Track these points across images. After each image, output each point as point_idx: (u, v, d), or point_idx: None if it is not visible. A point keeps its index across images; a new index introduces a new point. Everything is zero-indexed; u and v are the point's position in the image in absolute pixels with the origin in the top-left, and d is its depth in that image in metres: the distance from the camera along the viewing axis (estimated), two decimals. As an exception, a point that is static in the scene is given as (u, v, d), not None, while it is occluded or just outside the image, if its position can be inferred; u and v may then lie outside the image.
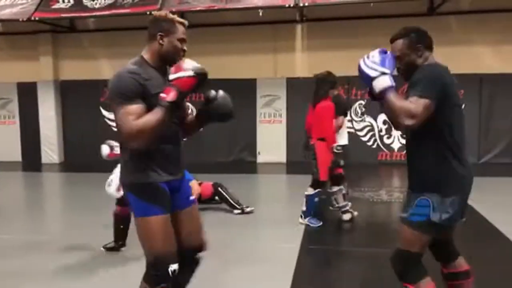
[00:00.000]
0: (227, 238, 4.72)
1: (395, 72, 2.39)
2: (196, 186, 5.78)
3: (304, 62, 9.91)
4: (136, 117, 2.16)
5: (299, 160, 9.51)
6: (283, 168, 9.53)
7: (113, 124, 10.64)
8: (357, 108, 9.72)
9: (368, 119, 9.73)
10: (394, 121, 2.30)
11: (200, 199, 5.69)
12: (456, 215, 2.31)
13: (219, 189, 5.89)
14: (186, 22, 2.40)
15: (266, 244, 4.64)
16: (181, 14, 8.47)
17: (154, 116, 2.16)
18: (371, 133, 9.82)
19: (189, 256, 2.52)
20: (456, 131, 2.31)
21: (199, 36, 10.17)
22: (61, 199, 7.66)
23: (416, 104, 2.18)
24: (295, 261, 4.02)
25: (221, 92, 2.48)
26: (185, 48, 2.38)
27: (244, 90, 9.77)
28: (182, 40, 2.37)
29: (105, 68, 10.65)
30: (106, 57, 10.59)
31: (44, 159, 10.79)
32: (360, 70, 2.34)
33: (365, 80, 2.32)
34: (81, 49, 10.67)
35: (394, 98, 2.23)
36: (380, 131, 9.77)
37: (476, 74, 9.15)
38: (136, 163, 2.31)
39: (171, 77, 2.21)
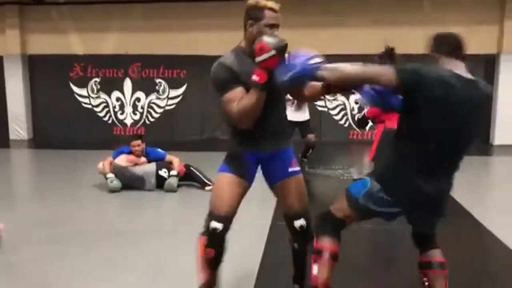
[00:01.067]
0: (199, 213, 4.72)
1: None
2: (176, 158, 5.95)
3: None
4: (237, 102, 2.36)
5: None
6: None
7: (83, 100, 10.49)
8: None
9: (341, 98, 9.80)
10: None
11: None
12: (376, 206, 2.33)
13: (190, 168, 5.95)
14: (276, 7, 2.41)
15: (239, 219, 4.66)
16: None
17: (250, 98, 2.33)
18: (343, 112, 9.91)
19: (289, 223, 2.71)
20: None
21: (173, 12, 10.01)
22: (29, 176, 7.52)
23: (381, 68, 2.28)
24: (265, 236, 4.06)
25: None
26: (275, 33, 2.37)
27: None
28: (271, 26, 2.39)
29: (75, 42, 10.38)
30: (76, 31, 10.31)
31: (12, 136, 10.54)
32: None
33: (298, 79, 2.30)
34: (50, 22, 10.36)
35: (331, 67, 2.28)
36: (352, 110, 9.87)
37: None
38: (231, 139, 2.61)
39: (258, 59, 2.28)
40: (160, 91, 10.38)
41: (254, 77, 2.29)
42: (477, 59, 9.26)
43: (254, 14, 2.39)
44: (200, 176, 5.86)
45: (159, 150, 6.02)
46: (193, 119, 10.26)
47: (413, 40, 9.22)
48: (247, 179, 2.60)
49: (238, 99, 2.35)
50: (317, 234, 2.48)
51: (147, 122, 10.54)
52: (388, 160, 2.38)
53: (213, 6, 9.77)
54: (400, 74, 2.15)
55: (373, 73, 2.23)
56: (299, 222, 2.66)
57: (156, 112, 10.48)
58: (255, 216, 4.67)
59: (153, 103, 10.46)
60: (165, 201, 5.49)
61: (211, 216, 2.53)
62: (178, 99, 10.37)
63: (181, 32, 9.98)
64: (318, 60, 2.26)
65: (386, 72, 2.19)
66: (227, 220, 2.53)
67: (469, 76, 2.25)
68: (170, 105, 10.41)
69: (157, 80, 10.35)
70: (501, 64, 9.24)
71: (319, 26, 9.44)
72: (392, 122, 4.42)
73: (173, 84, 10.32)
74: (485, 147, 9.14)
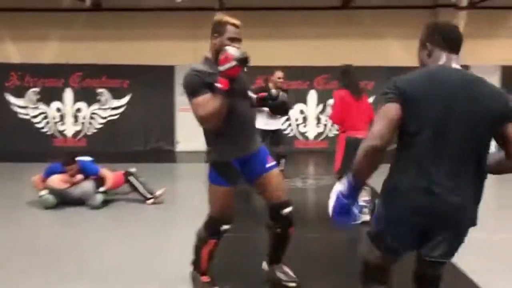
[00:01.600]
0: (137, 229, 4.64)
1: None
2: (109, 174, 5.60)
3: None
4: (204, 106, 2.64)
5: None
6: (203, 157, 9.46)
7: (20, 110, 10.06)
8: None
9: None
10: None
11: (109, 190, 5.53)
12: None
13: (130, 177, 5.69)
14: (237, 23, 2.78)
15: (180, 232, 4.61)
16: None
17: (215, 103, 2.63)
18: (287, 122, 10.06)
19: (276, 212, 3.01)
20: None
21: (116, 21, 9.85)
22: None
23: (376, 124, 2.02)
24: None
25: (282, 95, 3.04)
26: (236, 46, 2.71)
27: (162, 77, 9.61)
28: (232, 39, 2.74)
29: (11, 50, 9.98)
30: (12, 39, 9.91)
31: None
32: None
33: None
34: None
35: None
36: (296, 120, 10.04)
37: (386, 67, 9.65)
38: (213, 146, 2.91)
39: (220, 68, 2.61)
40: (103, 101, 10.14)
41: (218, 84, 2.60)
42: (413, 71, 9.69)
43: (218, 29, 2.77)
44: (140, 188, 5.64)
45: (93, 164, 5.71)
46: (137, 129, 10.09)
47: (354, 52, 9.59)
48: (238, 184, 2.97)
49: (205, 103, 2.63)
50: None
51: (89, 133, 10.25)
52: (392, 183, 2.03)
53: (156, 16, 9.70)
54: (395, 96, 1.97)
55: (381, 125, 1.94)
56: (288, 209, 3.00)
57: (98, 123, 10.22)
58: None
59: (95, 113, 10.19)
60: (95, 217, 5.26)
61: (220, 221, 2.92)
62: (121, 109, 10.16)
63: (124, 41, 9.83)
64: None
65: (387, 112, 1.96)
66: (231, 221, 2.98)
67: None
68: (113, 115, 10.18)
69: (99, 90, 10.11)
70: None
71: (264, 38, 9.58)
72: (354, 131, 4.66)
73: (116, 94, 10.12)
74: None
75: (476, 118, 1.93)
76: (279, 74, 6.41)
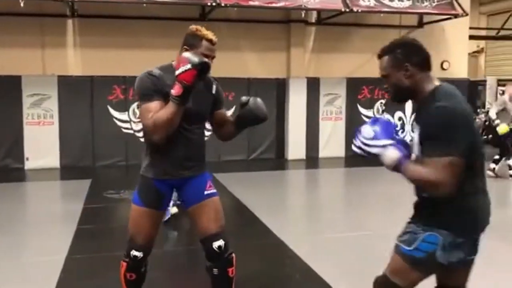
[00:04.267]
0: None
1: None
2: None
3: (77, 59, 9.36)
4: (154, 113, 2.41)
5: (74, 164, 9.00)
6: (57, 174, 8.81)
7: None
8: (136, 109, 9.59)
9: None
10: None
11: None
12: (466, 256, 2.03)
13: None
14: (214, 39, 2.55)
15: (28, 259, 4.20)
16: None
17: (166, 111, 2.39)
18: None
19: (207, 248, 2.63)
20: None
21: None
22: None
23: (437, 168, 1.82)
24: (58, 275, 3.72)
25: (252, 99, 2.71)
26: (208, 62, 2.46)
27: (7, 88, 8.73)
28: (205, 56, 2.47)
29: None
30: None
31: None
32: (360, 152, 2.03)
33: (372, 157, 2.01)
34: None
35: (411, 170, 1.90)
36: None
37: (245, 78, 9.97)
38: (147, 158, 2.65)
39: (176, 72, 2.36)
40: None
41: (172, 90, 2.38)
42: (270, 82, 10.17)
43: (191, 41, 2.54)
44: None
45: None
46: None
47: (212, 63, 9.71)
48: (162, 208, 2.73)
49: (155, 110, 2.42)
50: None
51: None
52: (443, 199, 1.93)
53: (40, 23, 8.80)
54: (460, 156, 1.84)
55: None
56: (217, 243, 2.60)
57: None
58: (48, 252, 4.27)
59: None
60: None
61: (131, 245, 2.68)
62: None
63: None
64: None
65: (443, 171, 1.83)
66: (146, 248, 2.69)
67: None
68: None
69: None
70: (290, 88, 10.27)
71: (118, 46, 9.25)
72: None
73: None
74: (281, 162, 10.05)
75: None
76: None
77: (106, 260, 4.17)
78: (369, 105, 10.81)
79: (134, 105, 9.45)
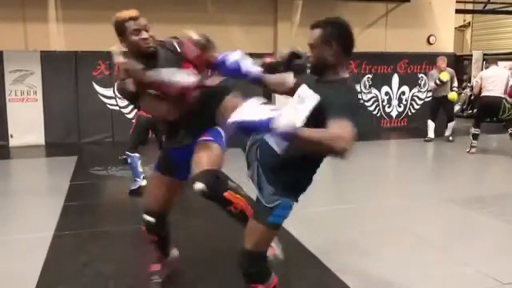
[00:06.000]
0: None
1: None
2: None
3: (60, 34, 9.17)
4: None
5: (59, 141, 8.91)
6: (42, 151, 8.73)
7: None
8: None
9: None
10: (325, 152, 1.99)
11: None
12: None
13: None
14: (134, 14, 2.57)
15: (14, 237, 4.19)
16: None
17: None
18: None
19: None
20: None
21: None
22: None
23: (343, 127, 1.85)
24: (45, 252, 3.72)
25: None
26: (143, 36, 2.56)
27: (-12, 64, 8.56)
28: (135, 32, 2.56)
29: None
30: None
31: None
32: (243, 125, 1.80)
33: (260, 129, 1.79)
34: None
35: (309, 131, 1.85)
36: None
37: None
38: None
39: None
40: None
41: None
42: (257, 57, 10.06)
43: (119, 30, 2.61)
44: None
45: None
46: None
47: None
48: (177, 177, 2.71)
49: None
50: (262, 280, 2.27)
51: None
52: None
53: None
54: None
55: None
56: (196, 186, 2.28)
57: None
58: (36, 229, 4.26)
59: None
60: None
61: (144, 209, 2.79)
62: None
63: None
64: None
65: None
66: (158, 215, 2.75)
67: None
68: None
69: None
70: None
71: (102, 21, 9.07)
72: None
73: None
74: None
75: None
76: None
77: (94, 236, 4.18)
78: (356, 80, 10.82)
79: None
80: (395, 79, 10.98)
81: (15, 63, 8.80)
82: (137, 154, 5.45)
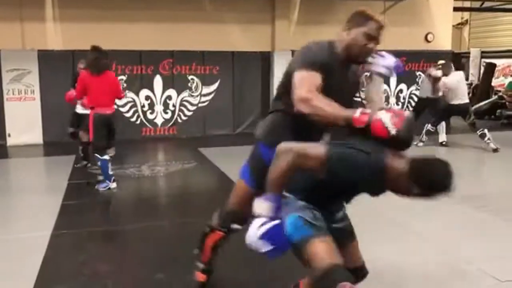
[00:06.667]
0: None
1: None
2: None
3: (57, 33, 9.14)
4: (313, 86, 2.11)
5: (57, 140, 8.89)
6: (40, 150, 8.71)
7: None
8: (119, 84, 9.43)
9: (130, 95, 9.56)
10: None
11: None
12: None
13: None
14: (382, 23, 2.25)
15: (13, 236, 4.18)
16: None
17: (329, 109, 2.03)
18: (133, 109, 9.70)
19: None
20: None
21: None
22: None
23: None
24: (44, 251, 3.71)
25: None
26: (371, 46, 2.25)
27: (-15, 63, 8.54)
28: (369, 37, 2.23)
29: None
30: None
31: None
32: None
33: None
34: None
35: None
36: (143, 106, 9.74)
37: (229, 52, 9.87)
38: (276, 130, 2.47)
39: (372, 110, 2.03)
40: None
41: (355, 115, 1.96)
42: (254, 56, 10.09)
43: (357, 20, 2.29)
44: None
45: None
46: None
47: (198, 37, 9.60)
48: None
49: (314, 86, 2.12)
50: None
51: None
52: None
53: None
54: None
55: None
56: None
57: None
58: (34, 228, 4.25)
59: None
60: None
61: (232, 218, 2.71)
62: None
63: None
64: None
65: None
66: (245, 222, 2.60)
67: None
68: None
69: None
70: (275, 61, 10.20)
71: (100, 20, 9.05)
72: (100, 108, 5.31)
73: None
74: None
75: None
76: None
77: (92, 235, 4.17)
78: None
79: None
80: (393, 77, 10.98)
81: (13, 62, 8.79)
82: (106, 157, 5.46)
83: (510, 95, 12.16)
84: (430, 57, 10.29)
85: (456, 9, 12.73)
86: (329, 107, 2.03)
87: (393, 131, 1.89)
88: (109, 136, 5.54)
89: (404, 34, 10.78)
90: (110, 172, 5.54)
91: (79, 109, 6.48)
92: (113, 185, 5.57)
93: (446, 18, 11.54)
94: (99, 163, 5.51)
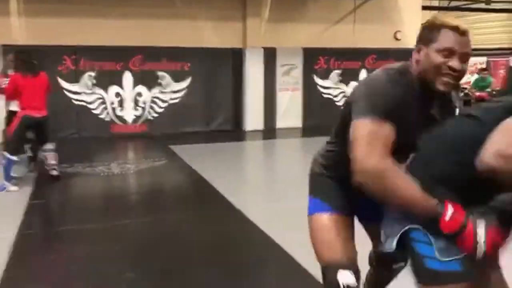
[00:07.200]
0: None
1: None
2: None
3: (22, 28, 8.88)
4: (385, 149, 1.54)
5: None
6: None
7: None
8: (87, 80, 9.24)
9: (99, 91, 9.38)
10: None
11: None
12: None
13: None
14: (463, 27, 1.63)
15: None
16: None
17: (408, 194, 1.51)
18: (102, 106, 9.52)
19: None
20: None
21: None
22: None
23: None
24: (7, 253, 3.59)
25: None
26: (453, 65, 1.61)
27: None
28: (447, 52, 1.61)
29: None
30: None
31: None
32: None
33: None
34: None
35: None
36: (112, 103, 9.57)
37: (199, 48, 9.79)
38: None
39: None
40: None
41: (448, 218, 1.49)
42: (225, 52, 10.05)
43: (425, 35, 1.73)
44: None
45: None
46: None
47: (169, 33, 9.48)
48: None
49: (387, 147, 1.55)
50: None
51: None
52: None
53: None
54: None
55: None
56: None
57: None
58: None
59: None
60: None
61: (334, 270, 1.78)
62: None
63: None
64: None
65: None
66: (356, 267, 1.84)
67: None
68: None
69: None
70: (247, 58, 10.18)
71: (68, 15, 8.84)
72: (30, 110, 5.21)
73: None
74: (239, 133, 10.04)
75: None
76: None
77: (59, 235, 4.08)
78: (325, 75, 10.90)
79: (86, 75, 9.17)
80: (363, 75, 11.12)
81: (-25, 57, 8.49)
82: (15, 158, 5.31)
83: (474, 92, 12.48)
84: (399, 55, 10.45)
85: (424, 7, 12.96)
86: (408, 191, 1.52)
87: (481, 254, 1.48)
88: (39, 141, 5.49)
89: (374, 32, 10.93)
90: (13, 175, 5.36)
91: (14, 107, 5.87)
92: (14, 188, 5.29)
93: (415, 17, 11.74)
94: (4, 161, 5.30)
